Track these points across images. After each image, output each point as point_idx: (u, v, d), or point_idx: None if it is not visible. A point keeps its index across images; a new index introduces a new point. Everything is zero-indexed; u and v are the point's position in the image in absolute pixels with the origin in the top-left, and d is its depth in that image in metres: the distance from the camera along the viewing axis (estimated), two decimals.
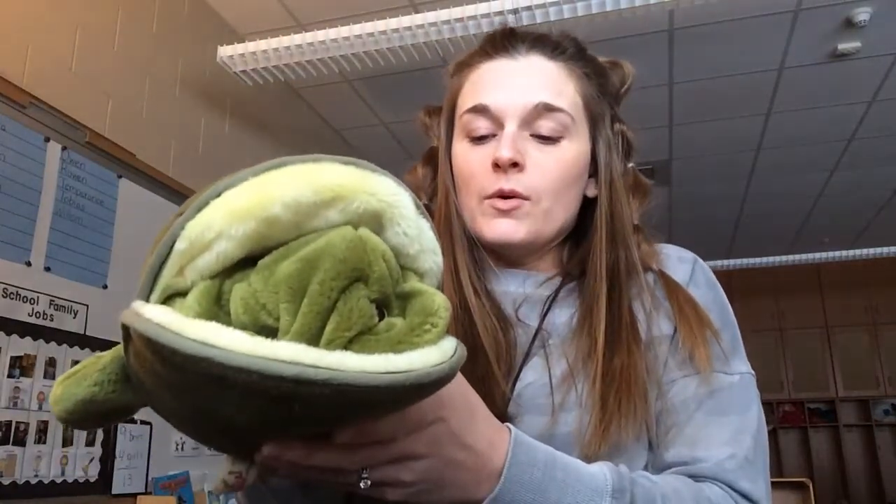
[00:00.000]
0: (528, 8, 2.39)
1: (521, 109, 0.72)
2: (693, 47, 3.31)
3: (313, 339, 0.36)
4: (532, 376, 0.70)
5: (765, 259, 5.46)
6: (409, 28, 2.49)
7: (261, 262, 0.39)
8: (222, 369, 0.32)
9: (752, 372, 0.72)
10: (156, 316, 0.35)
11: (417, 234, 0.43)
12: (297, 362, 0.33)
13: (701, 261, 0.78)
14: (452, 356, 0.39)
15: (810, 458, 6.61)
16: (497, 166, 0.71)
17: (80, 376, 0.42)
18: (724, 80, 3.59)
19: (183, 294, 0.39)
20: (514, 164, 0.71)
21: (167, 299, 0.39)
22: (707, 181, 4.83)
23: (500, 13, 2.41)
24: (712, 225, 5.64)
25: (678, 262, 0.77)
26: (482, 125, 0.74)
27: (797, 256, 5.33)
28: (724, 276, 6.14)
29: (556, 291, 0.75)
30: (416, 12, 2.56)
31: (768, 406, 6.65)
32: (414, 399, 0.41)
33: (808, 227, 5.77)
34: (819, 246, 5.63)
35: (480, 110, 0.73)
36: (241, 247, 0.38)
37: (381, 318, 0.40)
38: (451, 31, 2.49)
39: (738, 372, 0.71)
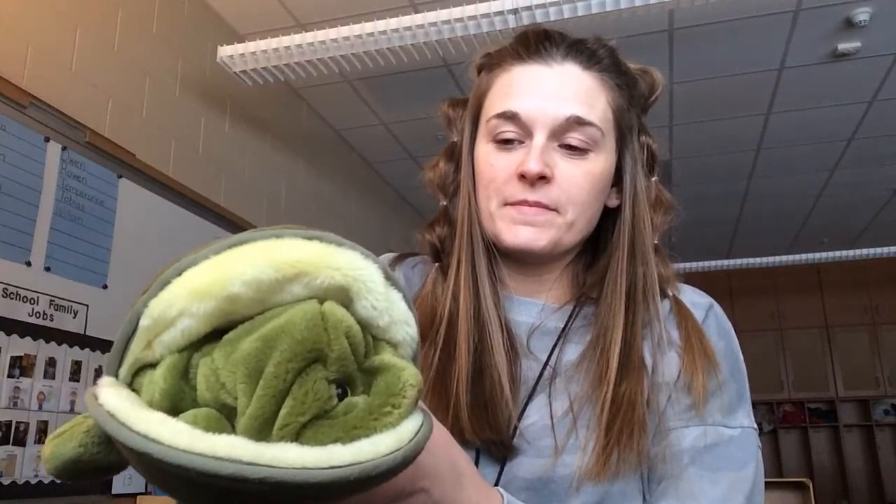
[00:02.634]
0: (528, 8, 2.39)
1: (551, 120, 0.70)
2: (693, 47, 3.31)
3: (268, 423, 0.36)
4: (536, 415, 0.68)
5: (764, 259, 5.45)
6: (409, 28, 2.49)
7: (225, 337, 0.39)
8: (162, 464, 0.33)
9: (755, 427, 0.71)
10: (108, 402, 0.36)
11: (387, 307, 0.42)
12: (234, 459, 0.33)
13: (717, 307, 0.76)
14: (411, 440, 0.39)
15: (810, 458, 6.61)
16: (523, 177, 0.69)
17: (66, 437, 0.42)
18: (724, 80, 3.59)
19: (153, 366, 0.39)
20: (542, 177, 0.69)
21: (138, 371, 0.40)
22: (707, 181, 4.83)
23: (500, 13, 2.41)
24: (712, 225, 5.63)
25: (692, 307, 0.74)
26: (510, 131, 0.72)
27: (797, 256, 5.32)
28: (724, 276, 6.15)
29: (569, 321, 0.73)
30: (416, 12, 2.56)
31: (768, 406, 6.65)
32: (365, 489, 0.40)
33: (808, 227, 5.78)
34: (819, 246, 5.64)
35: (509, 117, 0.71)
36: (205, 324, 0.38)
37: (345, 395, 0.40)
38: (451, 31, 2.49)
39: (740, 425, 0.69)
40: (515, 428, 0.67)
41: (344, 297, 0.40)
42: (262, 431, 0.36)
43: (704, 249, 5.79)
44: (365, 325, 0.41)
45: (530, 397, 0.69)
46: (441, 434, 0.51)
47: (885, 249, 5.08)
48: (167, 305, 0.38)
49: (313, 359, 0.38)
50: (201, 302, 0.37)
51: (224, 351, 0.38)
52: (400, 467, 0.38)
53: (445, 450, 0.51)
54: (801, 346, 6.74)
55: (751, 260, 5.50)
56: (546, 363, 0.71)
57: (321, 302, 0.39)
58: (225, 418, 0.37)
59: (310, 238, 0.40)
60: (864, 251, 5.13)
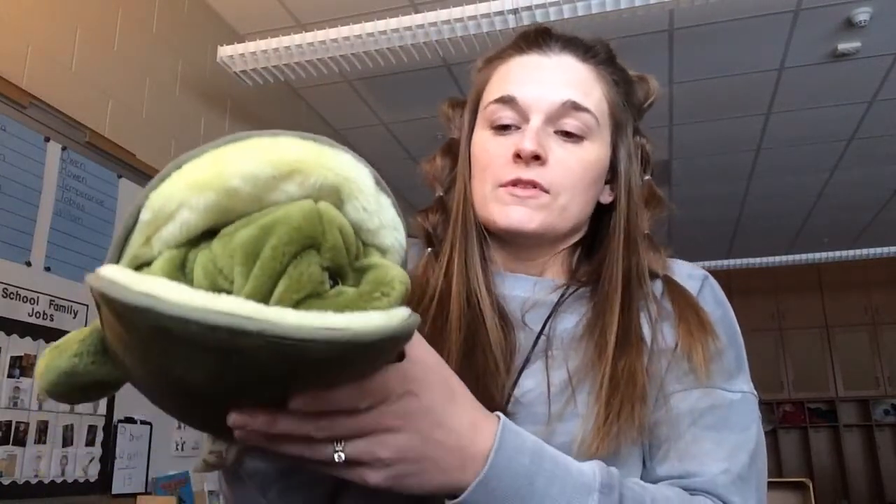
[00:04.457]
0: (528, 8, 2.39)
1: (547, 105, 0.72)
2: (693, 47, 3.31)
3: (263, 301, 0.37)
4: (531, 384, 0.69)
5: (764, 259, 5.46)
6: (409, 28, 2.49)
7: (223, 231, 0.40)
8: (163, 319, 0.34)
9: (755, 393, 0.71)
10: (109, 273, 0.36)
11: (377, 209, 0.43)
12: (234, 314, 0.34)
13: (711, 279, 0.77)
14: (400, 322, 0.39)
15: (810, 458, 6.61)
16: (518, 157, 0.71)
17: (62, 348, 0.43)
18: (724, 80, 3.59)
19: (150, 263, 0.40)
20: (536, 158, 0.70)
21: (136, 269, 0.40)
22: (707, 181, 4.83)
23: (501, 13, 2.41)
24: (712, 225, 5.64)
25: (687, 278, 0.75)
26: (507, 116, 0.74)
27: (797, 256, 5.32)
28: (724, 276, 6.14)
29: (563, 296, 0.74)
30: (416, 12, 2.56)
31: (768, 406, 6.65)
32: (356, 360, 0.41)
33: (808, 227, 5.78)
34: (819, 246, 5.63)
35: (507, 101, 0.73)
36: (204, 218, 0.39)
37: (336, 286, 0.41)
38: (451, 31, 2.49)
39: (740, 390, 0.69)
40: (510, 395, 0.68)
41: (336, 198, 0.42)
42: None
43: (704, 249, 5.80)
44: (356, 228, 0.43)
45: (525, 365, 0.70)
46: (432, 353, 0.52)
47: (885, 249, 5.08)
48: (167, 198, 0.39)
49: (308, 245, 0.39)
50: (201, 194, 0.38)
51: (222, 241, 0.39)
52: (389, 342, 0.39)
53: (437, 366, 0.52)
54: (801, 346, 6.74)
55: (751, 260, 5.50)
56: (540, 332, 0.71)
57: (316, 202, 0.41)
58: None
59: (304, 139, 0.41)
60: (864, 251, 5.13)
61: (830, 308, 6.74)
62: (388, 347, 0.40)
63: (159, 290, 0.34)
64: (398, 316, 0.39)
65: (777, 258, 5.39)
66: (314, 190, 0.41)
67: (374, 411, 0.46)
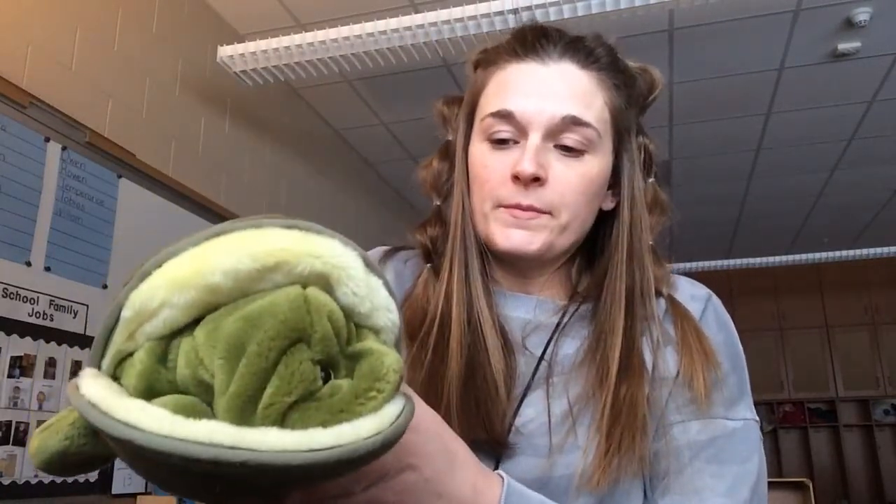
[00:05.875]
0: (528, 8, 2.39)
1: (547, 120, 0.69)
2: (693, 47, 3.31)
3: (250, 401, 0.36)
4: (532, 413, 0.67)
5: (765, 259, 5.45)
6: (409, 28, 2.49)
7: (208, 317, 0.39)
8: (144, 451, 0.34)
9: (757, 419, 0.70)
10: (89, 392, 0.36)
11: (368, 293, 0.42)
12: (215, 444, 0.33)
13: (715, 298, 0.75)
14: (392, 423, 0.39)
15: (810, 458, 6.61)
16: (517, 178, 0.68)
17: (53, 430, 0.43)
18: (724, 80, 3.59)
19: (133, 354, 0.40)
20: (536, 179, 0.68)
21: (119, 362, 0.40)
22: (707, 181, 4.83)
23: (501, 13, 2.41)
24: (712, 225, 5.63)
25: (690, 299, 0.73)
26: (505, 130, 0.70)
27: (797, 256, 5.32)
28: (724, 277, 6.14)
29: (563, 317, 0.72)
30: (416, 12, 2.56)
31: (768, 406, 6.65)
32: (346, 472, 0.40)
33: (808, 227, 5.78)
34: (819, 246, 5.63)
35: (504, 116, 0.70)
36: (186, 314, 0.39)
37: (328, 378, 0.40)
38: (451, 31, 2.48)
39: (742, 418, 0.68)
40: (511, 425, 0.67)
41: (325, 284, 0.41)
42: (245, 410, 0.36)
43: (704, 249, 5.79)
44: (347, 312, 0.41)
45: (526, 393, 0.69)
46: (431, 417, 0.51)
47: (885, 249, 5.08)
48: (148, 297, 0.38)
49: (296, 338, 0.38)
50: (182, 292, 0.38)
51: (206, 329, 0.38)
52: (380, 451, 0.38)
53: (436, 431, 0.50)
54: (801, 346, 6.74)
55: (751, 260, 5.50)
56: (541, 358, 0.70)
57: (304, 287, 0.40)
58: (202, 401, 0.37)
59: (289, 227, 0.40)
60: (864, 251, 5.13)
61: (830, 308, 6.74)
62: (381, 452, 0.39)
63: (139, 418, 0.34)
64: (390, 416, 0.39)
65: (777, 258, 5.38)
66: (301, 278, 0.40)
67: (371, 489, 0.46)
